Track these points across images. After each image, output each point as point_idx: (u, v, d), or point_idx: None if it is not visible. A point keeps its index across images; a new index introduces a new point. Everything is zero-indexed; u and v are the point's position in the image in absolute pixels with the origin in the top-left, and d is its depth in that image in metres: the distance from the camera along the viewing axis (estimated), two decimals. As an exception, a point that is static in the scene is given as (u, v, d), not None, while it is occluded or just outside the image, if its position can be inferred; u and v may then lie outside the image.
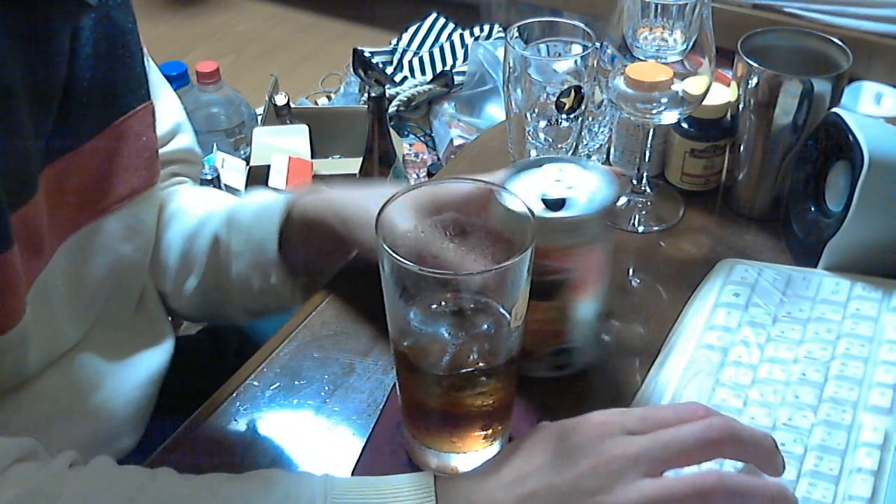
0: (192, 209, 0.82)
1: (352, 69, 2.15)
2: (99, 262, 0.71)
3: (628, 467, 0.52)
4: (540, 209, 0.58)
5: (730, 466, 0.57)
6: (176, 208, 0.82)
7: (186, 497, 0.53)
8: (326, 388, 0.69)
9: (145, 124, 0.73)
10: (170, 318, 0.84)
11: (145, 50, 0.76)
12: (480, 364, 0.56)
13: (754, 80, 0.80)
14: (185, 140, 0.85)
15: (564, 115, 0.75)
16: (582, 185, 0.62)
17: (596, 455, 0.52)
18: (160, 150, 0.78)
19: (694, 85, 0.78)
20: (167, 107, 0.82)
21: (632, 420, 0.54)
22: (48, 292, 0.66)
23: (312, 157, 1.84)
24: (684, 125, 0.86)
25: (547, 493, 0.52)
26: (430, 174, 1.91)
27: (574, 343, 0.66)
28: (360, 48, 2.13)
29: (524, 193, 0.59)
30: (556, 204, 0.57)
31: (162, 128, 0.79)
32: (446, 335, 0.57)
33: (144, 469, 0.56)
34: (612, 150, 0.93)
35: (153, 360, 0.77)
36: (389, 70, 2.10)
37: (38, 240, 0.64)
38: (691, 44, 0.76)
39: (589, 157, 0.93)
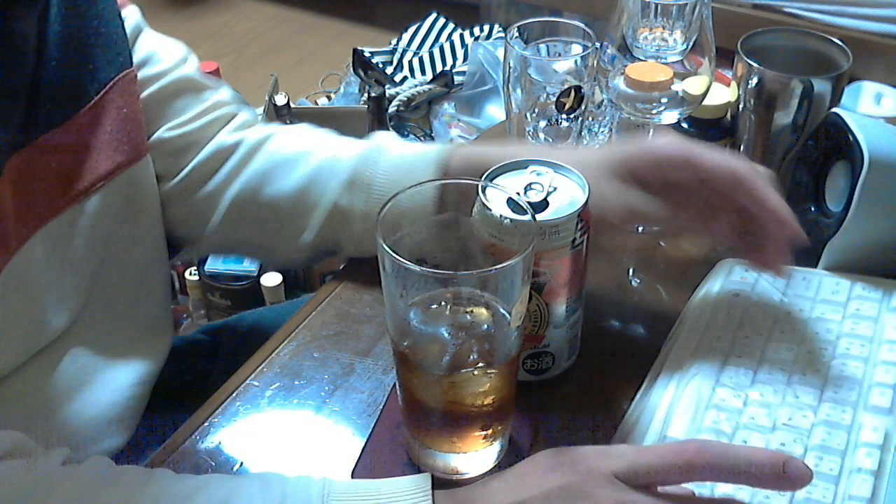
0: (296, 159, 0.77)
1: (352, 69, 2.15)
2: (83, 244, 0.69)
3: None
4: (510, 213, 0.58)
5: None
6: (274, 159, 0.78)
7: (185, 496, 0.53)
8: (326, 388, 0.68)
9: (126, 94, 0.71)
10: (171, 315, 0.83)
11: (128, 13, 0.74)
12: (480, 364, 0.56)
13: (754, 80, 0.80)
14: (194, 66, 0.82)
15: (564, 115, 0.75)
16: (556, 189, 0.62)
17: (585, 499, 0.51)
18: (180, 76, 0.77)
19: (694, 85, 0.78)
20: (166, 43, 0.79)
21: (642, 468, 0.53)
22: (22, 282, 0.64)
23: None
24: (684, 125, 0.86)
25: None
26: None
27: (550, 347, 0.66)
28: (360, 48, 2.13)
29: (500, 196, 0.59)
30: (530, 207, 0.57)
31: (173, 58, 0.77)
32: (446, 335, 0.57)
33: (142, 469, 0.55)
34: (612, 150, 0.93)
35: (147, 359, 0.76)
36: (389, 70, 2.10)
37: (2, 229, 0.61)
38: (691, 44, 0.76)
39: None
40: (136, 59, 0.74)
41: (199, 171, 0.78)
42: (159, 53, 0.77)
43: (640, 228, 0.85)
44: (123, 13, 0.74)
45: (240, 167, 0.78)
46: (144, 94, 0.75)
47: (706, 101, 0.80)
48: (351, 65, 2.15)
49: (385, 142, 0.77)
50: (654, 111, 0.79)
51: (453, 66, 2.05)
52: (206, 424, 0.66)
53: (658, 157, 0.66)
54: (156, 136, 0.76)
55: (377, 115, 1.66)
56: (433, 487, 0.54)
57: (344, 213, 0.75)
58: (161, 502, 0.52)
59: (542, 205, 0.61)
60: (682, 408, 0.63)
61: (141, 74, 0.74)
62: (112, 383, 0.73)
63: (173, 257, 0.84)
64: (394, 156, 0.75)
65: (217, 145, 0.78)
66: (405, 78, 2.06)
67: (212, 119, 0.79)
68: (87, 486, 0.52)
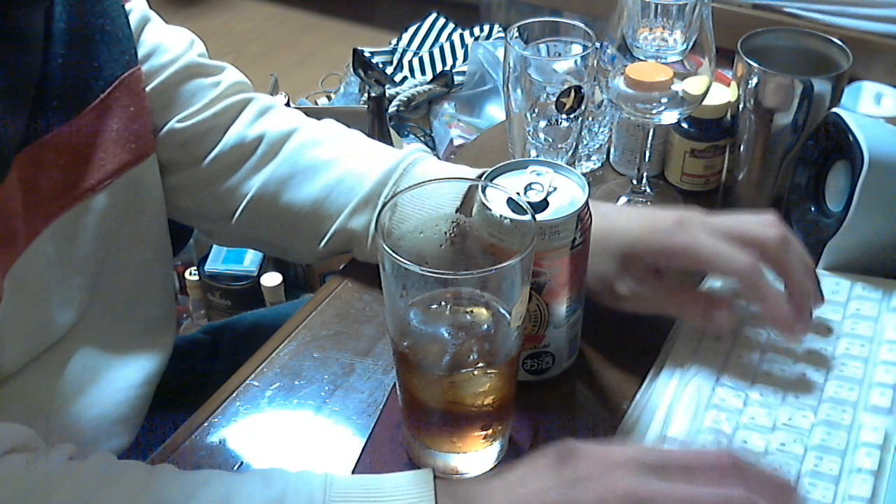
0: (319, 168, 0.76)
1: (352, 69, 2.15)
2: (88, 242, 0.69)
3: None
4: (510, 213, 0.58)
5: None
6: (296, 165, 0.76)
7: (187, 493, 0.53)
8: (326, 388, 0.68)
9: (132, 92, 0.71)
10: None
11: (133, 5, 0.74)
12: (480, 364, 0.56)
13: (754, 80, 0.80)
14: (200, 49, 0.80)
15: (564, 115, 0.75)
16: (556, 189, 0.62)
17: (603, 486, 0.50)
18: (186, 62, 0.76)
19: (694, 85, 0.78)
20: (172, 33, 0.78)
21: (651, 458, 0.52)
22: (28, 280, 0.64)
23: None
24: (684, 125, 0.86)
25: None
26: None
27: (550, 347, 0.66)
28: (360, 48, 2.13)
29: (499, 196, 0.59)
30: (530, 207, 0.57)
31: (178, 46, 0.76)
32: (446, 335, 0.57)
33: (144, 465, 0.55)
34: (612, 150, 0.93)
35: (151, 358, 0.76)
36: (389, 70, 2.10)
37: (11, 227, 0.61)
38: (691, 44, 0.76)
39: (589, 157, 0.93)
40: (141, 51, 0.74)
41: (222, 163, 0.77)
42: (165, 44, 0.76)
43: None
44: (129, 6, 0.74)
45: (262, 163, 0.77)
46: (151, 84, 0.75)
47: (706, 101, 0.80)
48: (351, 65, 2.15)
49: (412, 163, 0.75)
50: (654, 111, 0.79)
51: (453, 66, 2.05)
52: (206, 424, 0.66)
53: (663, 251, 0.66)
54: (167, 127, 0.76)
55: (377, 115, 1.66)
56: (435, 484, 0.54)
57: (356, 232, 0.75)
58: (163, 501, 0.52)
59: (542, 205, 0.61)
60: (682, 408, 0.63)
61: (147, 66, 0.74)
62: (117, 383, 0.73)
63: (176, 255, 0.84)
64: (417, 181, 0.73)
65: (239, 137, 0.78)
66: (405, 78, 2.06)
67: (225, 106, 0.78)
68: (88, 485, 0.52)
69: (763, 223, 0.66)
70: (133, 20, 0.74)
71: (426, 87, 2.00)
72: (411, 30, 2.22)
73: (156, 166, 0.75)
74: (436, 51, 2.12)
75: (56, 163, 0.65)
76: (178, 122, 0.76)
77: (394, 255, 0.52)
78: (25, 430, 0.55)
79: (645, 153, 0.84)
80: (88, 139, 0.68)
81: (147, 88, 0.74)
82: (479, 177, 0.72)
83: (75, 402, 0.70)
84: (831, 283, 0.73)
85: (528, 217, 0.56)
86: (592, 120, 0.91)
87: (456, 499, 0.54)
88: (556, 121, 0.75)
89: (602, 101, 0.87)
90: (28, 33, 0.62)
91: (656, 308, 0.67)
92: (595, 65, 0.75)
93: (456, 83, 1.99)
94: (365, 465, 0.63)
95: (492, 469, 0.61)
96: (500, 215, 0.58)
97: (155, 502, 0.52)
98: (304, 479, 0.54)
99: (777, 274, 0.65)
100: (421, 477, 0.54)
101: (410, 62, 2.10)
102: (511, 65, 0.75)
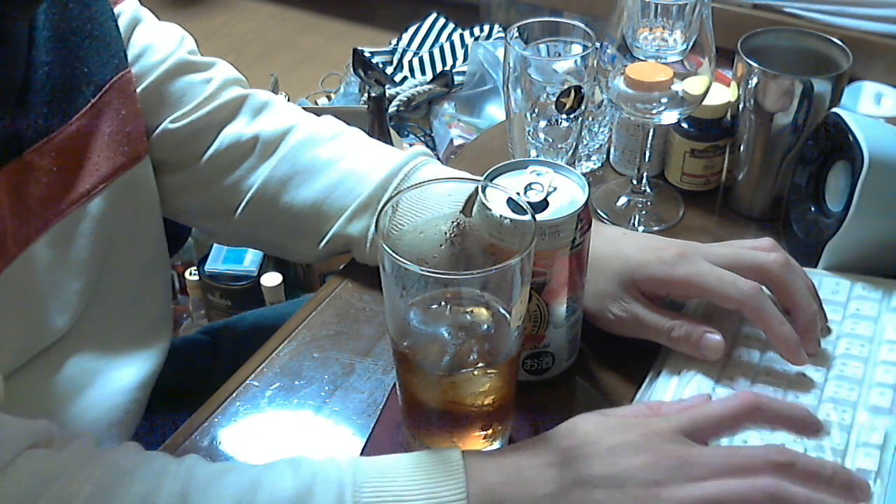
0: (320, 168, 0.76)
1: (352, 69, 2.15)
2: (86, 247, 0.69)
3: (683, 467, 0.53)
4: (510, 213, 0.58)
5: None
6: (295, 165, 0.77)
7: (214, 478, 0.53)
8: (326, 388, 0.69)
9: (124, 95, 0.71)
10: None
11: (123, 8, 0.74)
12: (480, 364, 0.56)
13: (754, 80, 0.80)
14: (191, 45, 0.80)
15: (564, 115, 0.75)
16: (556, 189, 0.62)
17: (652, 452, 0.54)
18: (176, 61, 0.76)
19: (694, 85, 0.78)
20: (162, 32, 0.78)
21: (685, 423, 0.57)
22: (22, 286, 0.64)
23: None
24: (684, 125, 0.86)
25: (598, 482, 0.53)
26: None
27: (550, 347, 0.66)
28: (360, 48, 2.13)
29: (499, 196, 0.59)
30: (530, 207, 0.57)
31: (168, 46, 0.76)
32: (446, 335, 0.57)
33: (171, 456, 0.56)
34: (612, 150, 0.93)
35: (147, 361, 0.75)
36: (389, 70, 2.10)
37: None
38: (691, 44, 0.76)
39: (589, 157, 0.93)
40: (132, 53, 0.74)
41: (220, 161, 0.77)
42: (155, 44, 0.76)
43: (641, 228, 0.85)
44: (118, 9, 0.74)
45: (260, 161, 0.77)
46: (142, 85, 0.75)
47: (706, 101, 0.80)
48: (351, 65, 2.15)
49: (413, 169, 0.75)
50: (654, 111, 0.79)
51: (453, 66, 2.06)
52: (206, 424, 0.66)
53: (665, 280, 0.66)
54: (160, 128, 0.76)
55: (377, 115, 1.66)
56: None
57: (354, 237, 0.75)
58: (192, 483, 0.53)
59: (542, 205, 0.61)
60: (682, 408, 0.63)
61: (137, 67, 0.74)
62: (112, 386, 0.72)
63: (173, 256, 0.84)
64: (418, 189, 0.74)
65: (235, 135, 0.77)
66: (405, 78, 2.06)
67: (220, 104, 0.78)
68: (116, 470, 0.53)
69: (762, 248, 0.67)
70: (123, 22, 0.74)
71: (426, 87, 2.00)
72: (411, 30, 2.22)
73: (150, 168, 0.75)
74: (436, 51, 2.12)
75: (49, 169, 0.65)
76: (172, 122, 0.76)
77: (394, 255, 0.52)
78: (46, 423, 0.55)
79: (645, 153, 0.84)
80: (81, 144, 0.68)
81: (138, 90, 0.74)
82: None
83: (70, 406, 0.69)
84: (831, 283, 0.73)
85: (528, 217, 0.56)
86: (592, 120, 0.91)
87: (486, 478, 0.54)
88: (556, 121, 0.75)
89: (602, 101, 0.87)
90: (10, 40, 0.62)
91: (648, 336, 0.68)
92: (595, 65, 0.75)
93: (456, 83, 2.00)
94: (365, 465, 0.63)
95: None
96: (500, 215, 0.58)
97: (183, 486, 0.53)
98: (331, 463, 0.55)
99: (781, 298, 0.66)
100: (450, 456, 0.54)
101: (410, 62, 2.10)
102: (511, 65, 0.75)
